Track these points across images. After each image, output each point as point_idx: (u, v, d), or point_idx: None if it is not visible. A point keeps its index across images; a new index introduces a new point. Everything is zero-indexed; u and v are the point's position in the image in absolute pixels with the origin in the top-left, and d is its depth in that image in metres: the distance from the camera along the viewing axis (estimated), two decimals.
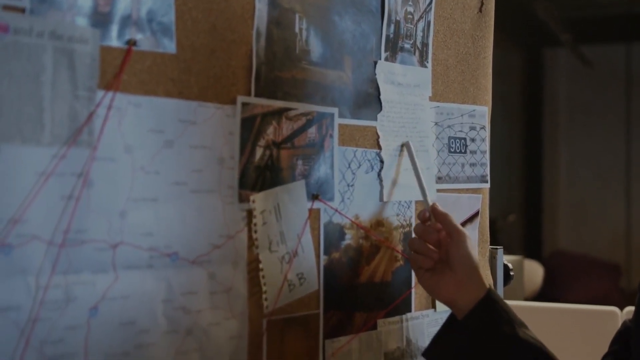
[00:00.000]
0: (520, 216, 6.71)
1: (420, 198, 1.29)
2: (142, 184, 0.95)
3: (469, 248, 1.20)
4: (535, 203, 7.18)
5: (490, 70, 1.51)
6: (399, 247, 1.31)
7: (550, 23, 6.16)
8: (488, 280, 1.50)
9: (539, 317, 2.75)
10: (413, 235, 1.28)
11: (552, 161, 7.37)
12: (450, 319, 1.22)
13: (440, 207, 1.25)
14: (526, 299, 4.09)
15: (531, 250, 6.62)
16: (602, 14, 6.56)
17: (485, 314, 1.17)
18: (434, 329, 1.34)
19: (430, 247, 1.22)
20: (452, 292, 1.19)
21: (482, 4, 1.48)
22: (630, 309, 2.74)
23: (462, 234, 1.21)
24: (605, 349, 1.36)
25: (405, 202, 1.32)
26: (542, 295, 5.25)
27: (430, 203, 1.26)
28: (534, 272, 4.86)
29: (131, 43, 0.94)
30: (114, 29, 0.93)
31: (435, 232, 1.22)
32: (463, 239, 1.20)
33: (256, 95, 1.09)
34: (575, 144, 7.30)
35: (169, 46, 0.99)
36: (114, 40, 0.92)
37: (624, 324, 1.31)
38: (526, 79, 7.23)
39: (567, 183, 7.32)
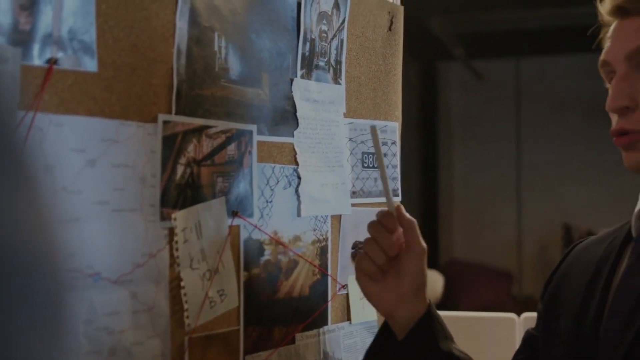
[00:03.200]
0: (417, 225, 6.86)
1: (382, 201, 1.30)
2: (64, 204, 0.94)
3: (425, 265, 1.20)
4: (431, 213, 7.37)
5: (400, 87, 1.56)
6: (316, 262, 1.33)
7: (444, 38, 6.35)
8: None
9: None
10: (369, 233, 1.22)
11: (447, 172, 7.58)
12: (384, 333, 1.22)
13: (406, 213, 1.21)
14: None
15: (428, 259, 6.78)
16: (493, 30, 6.81)
17: (427, 330, 1.18)
18: (350, 341, 1.37)
19: (383, 254, 1.19)
20: (393, 304, 1.19)
21: (392, 22, 1.52)
22: (527, 315, 2.85)
23: (423, 250, 1.19)
24: (504, 354, 1.41)
25: (322, 217, 1.34)
26: (441, 303, 5.39)
27: (395, 205, 1.21)
28: (435, 281, 4.98)
29: (52, 62, 0.93)
30: (35, 48, 0.91)
31: (395, 244, 1.19)
32: (423, 255, 1.19)
33: (177, 113, 1.09)
34: (468, 155, 7.53)
35: (91, 65, 0.98)
36: (35, 59, 0.91)
37: (527, 332, 1.36)
38: (421, 92, 7.42)
39: (462, 193, 7.54)
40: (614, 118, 1.14)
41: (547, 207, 7.27)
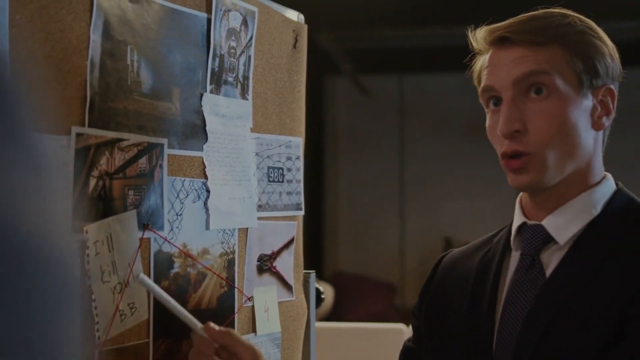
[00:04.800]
0: (304, 238, 6.93)
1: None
2: None
3: None
4: (317, 225, 7.45)
5: (303, 104, 1.60)
6: (224, 274, 1.34)
7: (332, 53, 6.46)
8: (302, 304, 1.57)
9: (333, 337, 2.88)
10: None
11: (332, 185, 7.68)
12: None
13: (215, 326, 1.18)
14: (319, 320, 4.24)
15: (314, 271, 6.84)
16: (379, 47, 6.97)
17: None
18: None
19: None
20: None
21: (296, 40, 1.56)
22: None
23: (256, 354, 1.17)
24: None
25: (229, 230, 1.36)
26: (329, 314, 5.46)
27: (199, 325, 1.17)
28: (325, 293, 5.05)
29: None
30: None
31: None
32: (253, 357, 1.16)
33: (90, 125, 1.09)
34: (354, 168, 7.66)
35: None
36: None
37: (405, 345, 1.41)
38: (308, 106, 7.50)
39: (347, 206, 7.66)
40: (502, 142, 1.21)
41: (429, 221, 7.48)
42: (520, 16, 1.23)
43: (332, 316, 5.42)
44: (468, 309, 1.26)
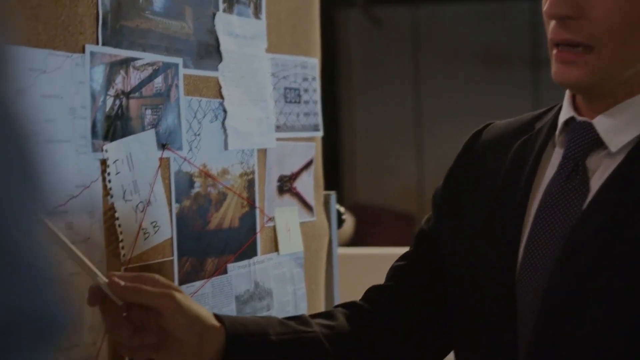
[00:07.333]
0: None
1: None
2: None
3: (185, 309, 1.00)
4: (334, 158, 7.45)
5: (318, 24, 1.58)
6: (244, 194, 1.35)
7: None
8: (323, 225, 1.57)
9: (356, 263, 2.91)
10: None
11: (348, 118, 7.66)
12: None
13: (121, 281, 0.98)
14: (341, 246, 4.27)
15: (335, 192, 6.87)
16: None
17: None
18: (278, 272, 1.41)
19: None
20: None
21: None
22: None
23: (168, 299, 0.99)
24: None
25: (248, 150, 1.36)
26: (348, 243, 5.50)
27: (103, 280, 0.98)
28: (346, 221, 5.08)
29: None
30: None
31: (128, 327, 0.99)
32: (172, 304, 0.99)
33: (103, 44, 1.08)
34: (369, 101, 7.62)
35: None
36: None
37: (420, 227, 1.27)
38: (322, 39, 7.43)
39: (363, 139, 7.65)
40: (549, 25, 1.01)
41: (446, 152, 7.44)
42: None
43: (352, 244, 5.46)
44: (494, 207, 1.09)
